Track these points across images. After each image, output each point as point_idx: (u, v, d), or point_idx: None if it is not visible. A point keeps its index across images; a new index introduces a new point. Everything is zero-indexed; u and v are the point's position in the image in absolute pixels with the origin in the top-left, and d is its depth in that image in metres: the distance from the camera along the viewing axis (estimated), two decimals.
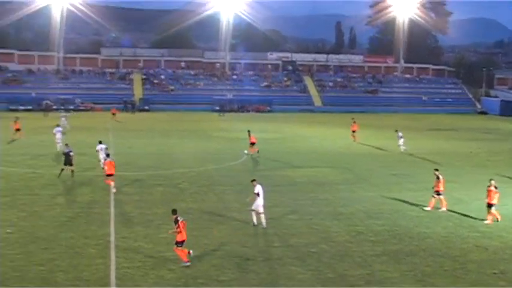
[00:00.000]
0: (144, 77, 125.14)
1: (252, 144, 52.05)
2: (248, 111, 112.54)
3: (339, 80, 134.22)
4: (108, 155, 37.92)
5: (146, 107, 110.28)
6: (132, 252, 23.39)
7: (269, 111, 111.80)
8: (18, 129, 60.45)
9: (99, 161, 41.82)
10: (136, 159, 48.56)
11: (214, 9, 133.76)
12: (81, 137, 58.54)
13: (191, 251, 22.56)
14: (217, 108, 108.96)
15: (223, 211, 30.37)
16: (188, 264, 22.16)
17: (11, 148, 53.89)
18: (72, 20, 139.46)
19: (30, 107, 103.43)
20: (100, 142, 42.91)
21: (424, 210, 31.51)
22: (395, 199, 34.34)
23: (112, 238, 25.17)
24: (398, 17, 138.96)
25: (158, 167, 45.02)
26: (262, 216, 27.76)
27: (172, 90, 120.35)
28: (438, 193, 31.79)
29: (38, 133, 63.88)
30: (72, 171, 39.20)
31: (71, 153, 39.43)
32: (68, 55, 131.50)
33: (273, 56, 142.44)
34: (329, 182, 40.05)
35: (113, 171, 35.89)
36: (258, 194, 27.79)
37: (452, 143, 65.62)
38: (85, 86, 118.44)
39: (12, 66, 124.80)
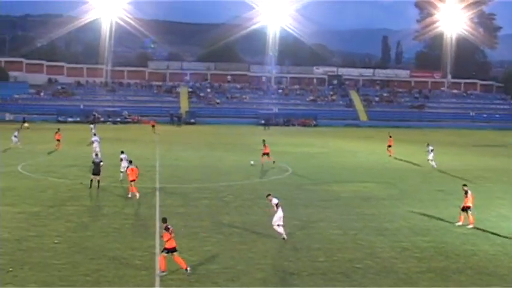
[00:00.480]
0: (190, 90, 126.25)
1: (266, 154, 53.46)
2: (293, 125, 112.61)
3: (385, 94, 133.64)
4: (130, 162, 38.72)
5: (192, 120, 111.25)
6: (177, 264, 23.48)
7: (315, 126, 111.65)
8: (58, 140, 61.62)
9: (121, 171, 42.43)
10: (182, 172, 48.97)
11: (261, 24, 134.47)
12: (125, 148, 59.05)
13: (189, 268, 22.54)
14: (263, 121, 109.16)
15: (268, 225, 30.25)
16: (165, 273, 22.16)
17: (56, 159, 54.81)
18: (121, 34, 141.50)
19: (78, 119, 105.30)
20: (122, 152, 44.11)
21: (468, 228, 30.92)
22: (441, 215, 33.81)
23: (157, 250, 25.31)
24: (446, 32, 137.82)
25: (203, 179, 45.25)
26: (275, 227, 27.72)
27: (218, 103, 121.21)
28: (466, 208, 31.32)
29: (85, 144, 64.82)
30: (98, 181, 39.62)
31: (101, 163, 40.04)
32: (116, 68, 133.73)
33: (319, 70, 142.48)
34: (374, 197, 39.71)
35: (134, 178, 36.52)
36: (277, 206, 27.63)
37: (500, 159, 64.49)
38: (132, 98, 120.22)
39: (62, 78, 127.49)
